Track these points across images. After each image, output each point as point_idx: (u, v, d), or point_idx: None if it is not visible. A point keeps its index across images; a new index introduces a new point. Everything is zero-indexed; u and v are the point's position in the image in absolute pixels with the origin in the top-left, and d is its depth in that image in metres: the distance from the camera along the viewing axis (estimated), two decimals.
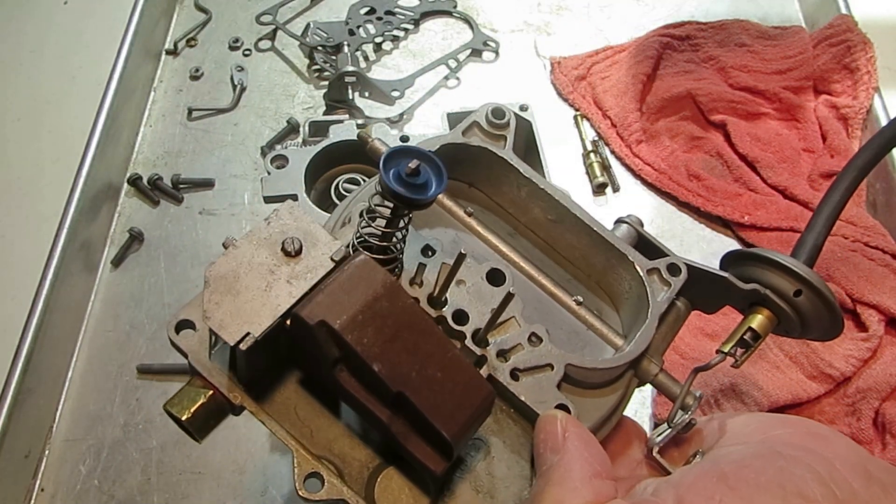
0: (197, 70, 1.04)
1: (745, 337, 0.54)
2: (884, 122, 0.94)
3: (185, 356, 0.46)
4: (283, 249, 0.45)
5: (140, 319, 0.83)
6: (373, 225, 0.47)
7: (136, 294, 0.85)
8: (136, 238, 0.88)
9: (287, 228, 0.46)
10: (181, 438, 0.75)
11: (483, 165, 0.60)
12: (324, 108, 0.98)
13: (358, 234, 0.48)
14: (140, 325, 0.82)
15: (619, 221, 0.60)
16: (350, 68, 0.96)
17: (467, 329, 0.50)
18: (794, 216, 0.89)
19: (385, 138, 0.86)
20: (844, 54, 0.99)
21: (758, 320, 0.54)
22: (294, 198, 0.77)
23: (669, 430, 0.51)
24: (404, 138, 0.84)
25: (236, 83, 1.02)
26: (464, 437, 0.44)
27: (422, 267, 0.50)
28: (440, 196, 0.59)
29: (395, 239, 0.48)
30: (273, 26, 1.07)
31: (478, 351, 0.49)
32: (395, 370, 0.42)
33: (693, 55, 1.03)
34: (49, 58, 0.98)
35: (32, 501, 0.72)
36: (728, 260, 0.58)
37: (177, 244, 0.89)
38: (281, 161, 0.86)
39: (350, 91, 0.97)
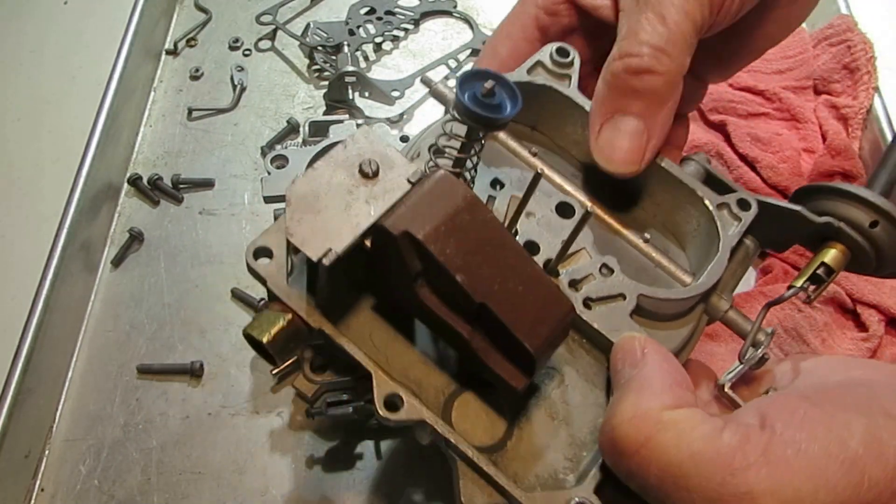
0: (197, 70, 1.04)
1: (818, 272, 0.52)
2: (884, 122, 0.94)
3: (264, 282, 0.46)
4: (360, 171, 0.45)
5: (140, 319, 0.83)
6: (447, 149, 0.47)
7: (136, 294, 0.85)
8: (136, 238, 0.88)
9: (364, 151, 0.46)
10: (181, 438, 0.75)
11: (547, 105, 0.59)
12: (324, 108, 0.98)
13: (430, 161, 0.48)
14: (140, 325, 0.82)
15: (685, 159, 0.60)
16: (350, 68, 0.96)
17: (538, 260, 0.50)
18: None
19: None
20: (844, 54, 0.98)
21: (831, 255, 0.52)
22: None
23: (741, 367, 0.51)
24: (404, 138, 0.84)
25: (236, 83, 1.02)
26: (546, 352, 0.44)
27: (491, 199, 0.51)
28: (505, 137, 0.59)
29: (468, 165, 0.48)
30: (273, 26, 1.07)
31: None
32: (478, 282, 0.42)
33: None
34: (49, 58, 0.98)
35: (32, 501, 0.72)
36: (800, 194, 0.57)
37: (177, 244, 0.88)
38: (281, 161, 0.86)
39: (350, 91, 0.97)
